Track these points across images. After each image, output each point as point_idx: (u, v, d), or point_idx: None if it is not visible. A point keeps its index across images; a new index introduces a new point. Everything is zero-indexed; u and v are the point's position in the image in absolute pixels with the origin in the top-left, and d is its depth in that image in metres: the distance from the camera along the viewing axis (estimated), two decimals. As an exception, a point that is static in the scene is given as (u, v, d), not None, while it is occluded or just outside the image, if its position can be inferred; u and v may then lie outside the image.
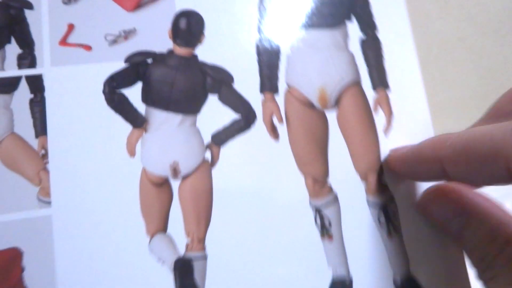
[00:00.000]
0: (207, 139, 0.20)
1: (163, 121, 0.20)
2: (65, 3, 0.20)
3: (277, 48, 0.22)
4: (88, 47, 0.20)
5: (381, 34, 0.22)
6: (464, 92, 0.49)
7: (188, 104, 0.20)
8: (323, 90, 0.21)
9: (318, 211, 0.20)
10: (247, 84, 0.21)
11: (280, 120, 0.21)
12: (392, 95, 0.22)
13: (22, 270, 0.18)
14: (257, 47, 0.21)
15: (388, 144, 0.21)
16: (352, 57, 0.22)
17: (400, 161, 0.20)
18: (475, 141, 0.16)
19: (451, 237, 0.19)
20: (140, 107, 0.20)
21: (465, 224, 0.18)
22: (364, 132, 0.21)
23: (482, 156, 0.15)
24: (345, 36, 0.22)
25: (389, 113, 0.22)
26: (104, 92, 0.20)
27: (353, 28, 0.22)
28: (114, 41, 0.20)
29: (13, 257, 0.18)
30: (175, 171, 0.20)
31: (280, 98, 0.21)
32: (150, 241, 0.19)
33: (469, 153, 0.16)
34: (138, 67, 0.20)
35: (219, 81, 0.21)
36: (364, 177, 0.21)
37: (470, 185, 0.19)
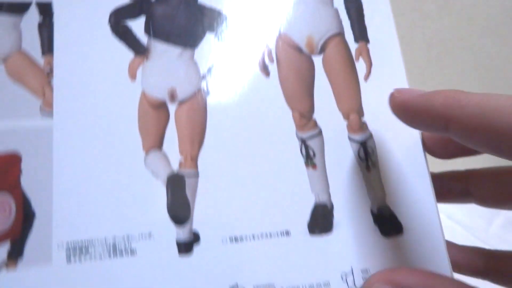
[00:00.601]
0: (203, 71, 0.22)
1: (163, 51, 0.22)
2: None
3: (270, -1, 0.24)
4: (96, -18, 0.22)
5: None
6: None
7: (187, 38, 0.22)
8: (311, 37, 0.24)
9: (303, 142, 0.22)
10: (242, 28, 0.23)
11: (271, 60, 0.23)
12: (371, 47, 0.24)
13: (19, 172, 0.18)
14: (252, -3, 0.24)
15: (367, 89, 0.23)
16: (336, 12, 0.24)
17: (404, 105, 0.19)
18: (493, 112, 0.15)
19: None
20: (143, 38, 0.22)
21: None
22: (346, 76, 0.23)
23: (497, 129, 0.15)
24: (331, -6, 0.25)
25: (369, 62, 0.24)
26: (109, 22, 0.21)
27: (338, -11, 0.25)
28: (121, -21, 0.22)
29: (12, 159, 0.18)
30: (172, 96, 0.21)
31: (272, 43, 0.23)
32: (145, 156, 0.20)
33: (482, 123, 0.15)
34: (142, 3, 0.22)
35: (217, 22, 0.23)
36: (346, 116, 0.23)
37: (469, 148, 0.19)
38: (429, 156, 0.23)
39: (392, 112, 0.20)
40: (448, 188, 0.25)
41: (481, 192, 0.24)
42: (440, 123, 0.17)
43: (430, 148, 0.23)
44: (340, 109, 0.23)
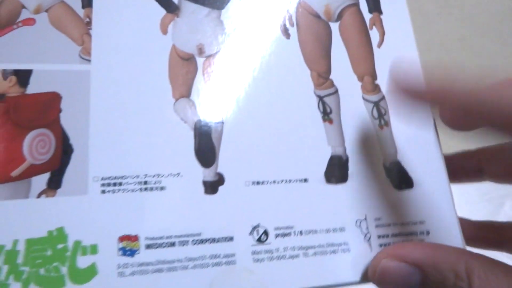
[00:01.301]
0: (230, 30, 0.23)
1: (192, 11, 0.23)
2: None
3: (291, -31, 0.25)
4: None
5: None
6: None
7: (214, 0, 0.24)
8: (328, 6, 0.25)
9: (320, 99, 0.23)
10: (265, -6, 0.25)
11: (292, 24, 0.24)
12: (384, 18, 0.26)
13: (59, 110, 0.20)
14: (274, -33, 0.25)
15: (380, 55, 0.25)
16: (353, -15, 0.26)
17: (443, 93, 0.18)
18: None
19: None
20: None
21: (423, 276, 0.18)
22: (361, 42, 0.25)
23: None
24: (346, -33, 0.26)
25: (381, 31, 0.25)
26: (143, -19, 0.23)
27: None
28: None
29: (53, 98, 0.20)
30: (200, 51, 0.22)
31: (292, 9, 0.25)
32: (175, 103, 0.21)
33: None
34: (174, -34, 0.24)
35: (242, -13, 0.24)
36: (360, 78, 0.24)
37: None
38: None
39: (423, 93, 0.19)
40: (461, 167, 0.27)
41: (495, 168, 0.25)
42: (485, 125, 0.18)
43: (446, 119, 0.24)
44: (355, 71, 0.24)
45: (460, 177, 0.26)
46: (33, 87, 0.20)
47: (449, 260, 0.18)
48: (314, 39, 0.24)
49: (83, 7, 0.22)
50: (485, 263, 0.18)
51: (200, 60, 0.22)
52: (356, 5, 0.26)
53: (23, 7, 0.21)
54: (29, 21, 0.21)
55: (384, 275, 0.19)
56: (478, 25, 0.65)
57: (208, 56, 0.23)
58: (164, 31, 0.22)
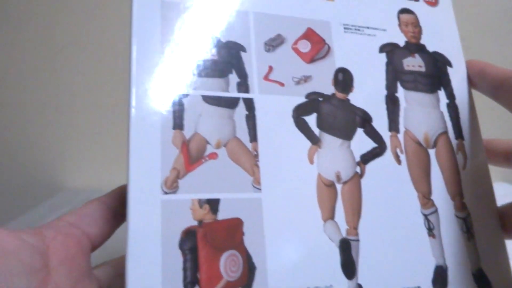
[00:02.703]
0: (357, 158, 0.29)
1: (330, 142, 0.28)
2: (266, 50, 0.29)
3: (398, 101, 0.31)
4: (281, 84, 0.28)
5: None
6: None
7: (344, 132, 0.29)
8: (427, 134, 0.31)
9: (425, 217, 0.29)
10: (380, 123, 0.30)
11: (402, 152, 0.30)
12: (466, 143, 0.32)
13: (243, 234, 0.24)
14: (385, 99, 0.31)
15: (464, 176, 0.31)
16: (442, 114, 0.32)
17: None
18: None
19: None
20: (316, 130, 0.28)
21: None
22: (452, 167, 0.31)
23: None
24: (438, 99, 0.33)
25: (465, 157, 0.32)
26: (292, 116, 0.28)
27: (442, 95, 0.33)
28: (298, 82, 0.29)
29: (237, 223, 0.25)
30: (338, 178, 0.28)
31: (400, 136, 0.30)
32: (324, 224, 0.26)
33: None
34: (313, 102, 0.29)
35: (364, 120, 0.30)
36: (452, 198, 0.30)
37: None
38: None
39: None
40: None
41: None
42: None
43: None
44: (448, 192, 0.30)
45: None
46: (222, 214, 0.24)
47: None
48: (418, 164, 0.30)
49: (250, 141, 0.27)
50: None
51: (339, 186, 0.28)
52: (446, 133, 0.32)
53: (207, 142, 0.26)
54: (213, 155, 0.25)
55: None
56: (478, 25, 0.64)
57: (344, 183, 0.28)
58: (311, 162, 0.27)
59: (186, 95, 0.26)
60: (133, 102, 0.25)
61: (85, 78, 0.69)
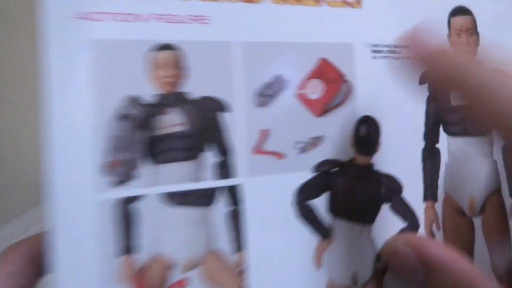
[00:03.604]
0: (379, 248, 0.21)
1: (345, 231, 0.21)
2: (259, 105, 0.19)
3: (439, 156, 0.23)
4: (280, 155, 0.20)
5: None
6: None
7: (366, 214, 0.21)
8: (473, 198, 0.23)
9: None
10: (412, 191, 0.22)
11: (439, 228, 0.23)
12: (524, 201, 0.24)
13: None
14: (422, 154, 0.22)
15: (515, 246, 0.24)
16: (495, 164, 0.24)
17: None
18: None
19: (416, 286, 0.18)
20: (326, 218, 0.20)
21: (428, 274, 0.17)
22: (502, 239, 0.24)
23: None
24: (491, 143, 0.24)
25: (520, 221, 0.24)
26: (293, 204, 0.20)
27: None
28: (303, 149, 0.20)
29: None
30: (355, 281, 0.21)
31: (438, 205, 0.23)
32: None
33: None
34: (324, 177, 0.20)
35: (392, 191, 0.22)
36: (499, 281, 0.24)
37: None
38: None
39: None
40: None
41: None
42: None
43: None
44: (493, 270, 0.24)
45: None
46: None
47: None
48: (457, 241, 0.23)
49: (235, 251, 0.19)
50: None
51: (354, 291, 0.21)
52: (498, 191, 0.24)
53: (172, 266, 0.18)
54: (182, 284, 0.18)
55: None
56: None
57: (363, 285, 0.21)
58: (319, 265, 0.20)
59: (133, 199, 0.18)
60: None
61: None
